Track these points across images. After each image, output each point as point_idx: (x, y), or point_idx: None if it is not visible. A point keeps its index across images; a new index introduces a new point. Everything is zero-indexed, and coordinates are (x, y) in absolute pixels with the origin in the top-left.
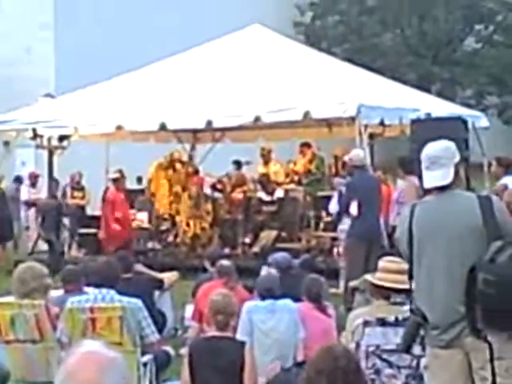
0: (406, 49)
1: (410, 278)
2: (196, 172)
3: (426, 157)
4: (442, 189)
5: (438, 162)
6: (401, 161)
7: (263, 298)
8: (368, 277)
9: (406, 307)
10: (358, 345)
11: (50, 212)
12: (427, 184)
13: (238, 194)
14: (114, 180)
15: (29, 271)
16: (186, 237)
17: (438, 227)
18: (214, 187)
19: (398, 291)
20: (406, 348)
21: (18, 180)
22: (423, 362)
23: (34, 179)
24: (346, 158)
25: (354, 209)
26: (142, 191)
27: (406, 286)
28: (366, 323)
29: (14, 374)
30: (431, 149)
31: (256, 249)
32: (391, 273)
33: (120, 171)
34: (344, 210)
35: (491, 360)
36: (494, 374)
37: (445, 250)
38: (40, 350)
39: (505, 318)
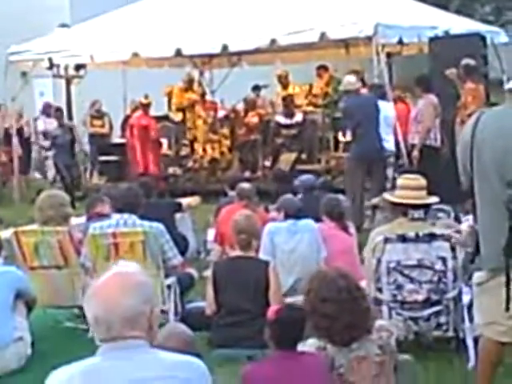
0: None
1: (472, 190)
2: (202, 95)
3: None
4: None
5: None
6: (418, 79)
7: (288, 218)
8: (386, 195)
9: (427, 223)
10: (379, 261)
11: (63, 143)
12: None
13: (252, 118)
14: (145, 105)
15: (46, 200)
16: (204, 162)
17: (499, 135)
18: (227, 117)
19: (417, 207)
20: (473, 259)
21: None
22: (477, 277)
23: (48, 109)
24: (340, 88)
25: (348, 134)
26: (162, 118)
27: (424, 202)
28: (387, 240)
29: (40, 300)
30: None
31: (275, 171)
32: (409, 189)
33: (146, 97)
34: (342, 135)
35: None
36: None
37: (501, 161)
38: (65, 276)
39: None
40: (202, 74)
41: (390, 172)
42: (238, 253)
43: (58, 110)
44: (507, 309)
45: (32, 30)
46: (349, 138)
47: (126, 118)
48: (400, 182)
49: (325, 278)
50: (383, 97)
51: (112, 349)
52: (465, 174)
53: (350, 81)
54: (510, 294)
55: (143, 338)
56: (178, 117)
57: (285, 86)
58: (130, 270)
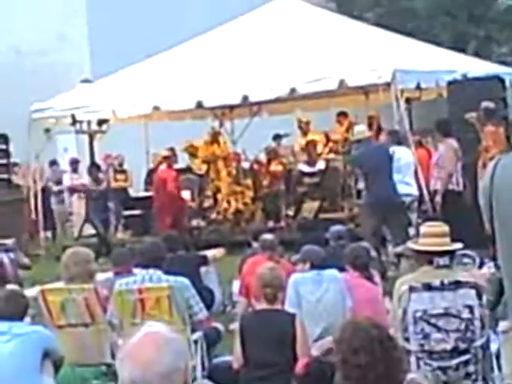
0: (437, 10)
1: (493, 236)
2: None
3: None
4: None
5: None
6: (438, 123)
7: (313, 268)
8: (410, 244)
9: (452, 270)
10: (405, 311)
11: (97, 197)
12: None
13: (276, 167)
14: (166, 158)
15: (71, 257)
16: (228, 214)
17: None
18: (251, 169)
19: (442, 254)
20: (493, 307)
21: (54, 163)
22: (502, 326)
23: (74, 165)
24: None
25: (360, 183)
26: (185, 170)
27: (449, 248)
28: (412, 289)
29: (67, 358)
30: None
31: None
32: (432, 237)
33: (171, 149)
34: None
35: None
36: None
37: None
38: (92, 333)
39: None
40: (222, 124)
41: (414, 217)
42: (264, 306)
43: (93, 164)
44: None
45: (53, 87)
46: (361, 186)
47: (150, 172)
48: (423, 229)
49: (356, 327)
50: (399, 143)
51: None
52: (486, 219)
53: (359, 130)
54: None
55: None
56: (202, 169)
57: (305, 133)
58: (159, 329)
